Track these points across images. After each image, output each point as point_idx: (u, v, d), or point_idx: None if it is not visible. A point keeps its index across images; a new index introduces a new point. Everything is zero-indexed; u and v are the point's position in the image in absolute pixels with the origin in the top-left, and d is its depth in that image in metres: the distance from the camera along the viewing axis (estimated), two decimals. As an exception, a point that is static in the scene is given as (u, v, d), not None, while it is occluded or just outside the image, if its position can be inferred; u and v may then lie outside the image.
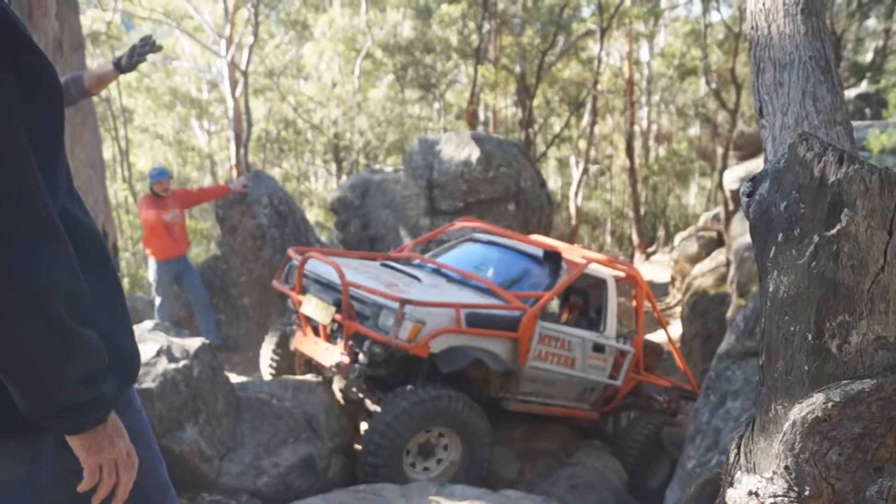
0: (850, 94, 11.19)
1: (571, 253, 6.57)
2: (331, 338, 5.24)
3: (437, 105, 23.19)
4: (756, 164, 8.86)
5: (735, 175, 9.04)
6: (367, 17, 20.76)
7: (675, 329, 10.63)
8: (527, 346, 5.43)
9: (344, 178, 17.97)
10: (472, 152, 9.75)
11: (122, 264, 6.95)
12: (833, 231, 1.18)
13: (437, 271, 6.16)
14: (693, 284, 10.59)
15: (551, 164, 29.46)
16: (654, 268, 17.52)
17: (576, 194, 20.43)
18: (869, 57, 18.73)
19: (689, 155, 28.13)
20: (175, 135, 24.20)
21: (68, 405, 1.21)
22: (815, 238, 1.20)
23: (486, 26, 19.17)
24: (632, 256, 21.97)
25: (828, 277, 1.19)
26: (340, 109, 20.15)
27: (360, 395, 5.23)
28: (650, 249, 23.16)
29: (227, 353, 7.46)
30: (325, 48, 21.27)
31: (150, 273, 7.35)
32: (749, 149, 9.59)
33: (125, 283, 12.67)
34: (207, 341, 4.93)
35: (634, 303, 6.88)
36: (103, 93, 21.53)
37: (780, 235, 1.24)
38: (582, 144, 22.49)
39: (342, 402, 5.52)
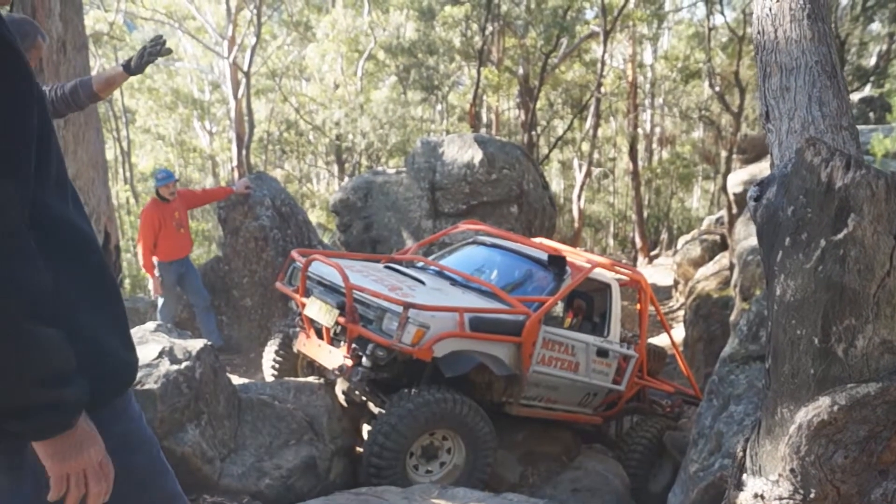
0: (854, 97, 11.18)
1: (575, 257, 6.56)
2: (334, 340, 5.23)
3: (439, 107, 23.21)
4: (760, 168, 8.85)
5: (739, 178, 9.03)
6: (370, 18, 20.79)
7: (678, 333, 10.62)
8: (530, 351, 5.42)
9: (346, 179, 17.99)
10: (475, 154, 9.75)
11: (123, 265, 6.93)
12: (840, 235, 1.18)
13: (440, 274, 6.15)
14: (696, 288, 10.58)
15: (554, 167, 29.49)
16: (657, 271, 17.51)
17: (579, 197, 20.42)
18: (873, 61, 18.72)
19: (692, 158, 28.12)
20: (177, 136, 24.24)
21: (23, 408, 1.16)
22: (822, 242, 1.20)
23: (490, 28, 19.19)
24: (634, 260, 21.96)
25: (834, 282, 1.18)
26: (343, 111, 20.17)
27: (363, 398, 5.22)
28: (653, 253, 23.14)
29: (228, 354, 7.45)
30: (328, 49, 21.30)
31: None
32: (753, 152, 9.59)
33: (126, 283, 12.68)
34: (209, 343, 4.92)
35: (638, 307, 6.87)
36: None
37: (788, 239, 1.24)
38: (585, 147, 22.48)
39: (344, 404, 5.51)
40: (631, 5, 19.80)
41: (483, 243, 6.83)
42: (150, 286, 7.13)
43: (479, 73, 18.85)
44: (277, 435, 4.97)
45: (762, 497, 1.36)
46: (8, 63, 1.16)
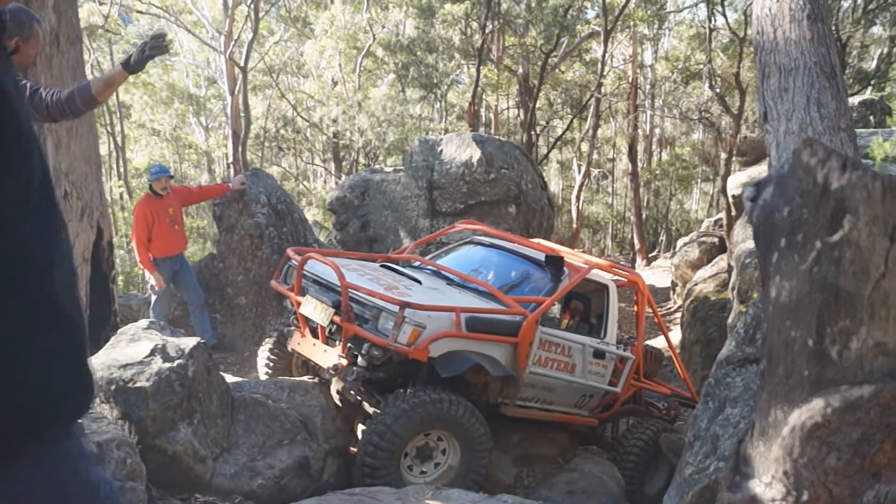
0: (854, 101, 11.17)
1: (573, 258, 6.54)
2: (329, 340, 5.21)
3: (438, 105, 23.18)
4: (759, 170, 8.84)
5: (738, 180, 9.02)
6: (369, 15, 20.74)
7: (676, 335, 10.61)
8: (527, 352, 5.40)
9: (343, 177, 17.95)
10: (474, 154, 9.73)
11: (116, 262, 6.89)
12: (835, 237, 1.16)
13: (437, 274, 6.13)
14: (694, 290, 10.57)
15: (553, 167, 29.49)
16: (655, 273, 17.50)
17: (577, 198, 20.40)
18: (873, 64, 18.73)
19: (691, 160, 28.13)
20: (172, 131, 24.20)
21: None
22: (818, 244, 1.18)
23: (490, 26, 19.16)
24: (633, 261, 21.96)
25: (829, 283, 1.17)
26: (340, 108, 20.14)
27: (358, 398, 5.20)
28: (651, 254, 23.15)
29: (222, 352, 7.43)
30: (326, 46, 21.27)
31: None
32: (752, 154, 9.57)
33: (120, 280, 12.65)
34: (202, 340, 4.90)
35: (636, 308, 6.85)
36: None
37: (783, 240, 1.22)
38: (584, 147, 22.47)
39: (339, 404, 5.49)
40: (632, 5, 19.78)
41: (480, 243, 6.81)
42: (152, 281, 7.10)
43: (478, 71, 18.82)
44: (271, 434, 4.94)
45: (755, 499, 1.35)
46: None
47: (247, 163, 18.50)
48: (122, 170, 21.44)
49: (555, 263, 5.91)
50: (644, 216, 24.74)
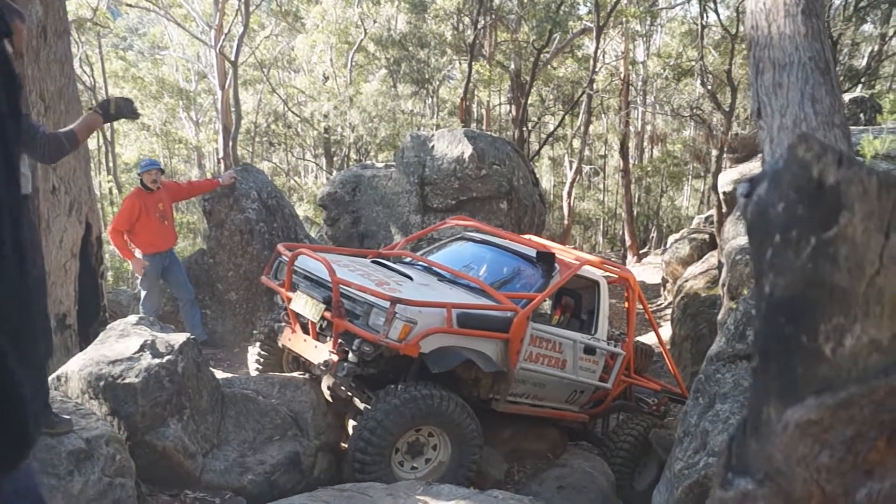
0: (845, 98, 11.21)
1: (564, 254, 6.54)
2: (320, 335, 5.19)
3: (430, 101, 23.14)
4: (750, 167, 8.86)
5: (729, 178, 9.03)
6: (361, 9, 20.68)
7: (666, 331, 10.64)
8: (517, 348, 5.40)
9: (334, 173, 17.90)
10: (465, 149, 9.71)
11: (105, 257, 6.85)
12: (831, 233, 1.15)
13: (428, 270, 6.12)
14: (684, 287, 10.59)
15: (545, 163, 29.51)
16: (646, 269, 17.54)
17: (569, 194, 20.42)
18: (864, 62, 18.81)
19: (683, 157, 28.21)
20: (162, 126, 24.07)
21: None
22: (813, 240, 1.17)
23: (482, 22, 19.12)
24: (624, 258, 22.01)
25: (824, 279, 1.16)
26: (332, 103, 20.08)
27: (349, 394, 5.19)
28: (642, 251, 23.20)
29: (212, 348, 7.40)
30: (317, 40, 21.20)
31: (137, 266, 7.28)
32: (744, 151, 9.59)
33: (109, 276, 12.58)
34: (192, 336, 4.87)
35: (626, 304, 6.86)
36: (88, 81, 21.33)
37: (778, 236, 1.22)
38: (576, 144, 22.49)
39: (329, 399, 5.48)
40: (624, 2, 19.79)
41: (472, 239, 6.80)
42: (132, 267, 7.08)
43: (470, 67, 18.79)
44: (261, 430, 4.93)
45: (747, 496, 1.34)
46: None
47: (237, 158, 18.43)
48: (111, 164, 21.32)
49: (546, 260, 5.91)
50: (635, 213, 24.79)
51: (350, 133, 20.06)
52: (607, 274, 6.62)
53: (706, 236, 13.25)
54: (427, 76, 21.04)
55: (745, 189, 1.40)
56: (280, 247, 5.80)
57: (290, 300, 5.27)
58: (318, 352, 5.12)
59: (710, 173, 22.85)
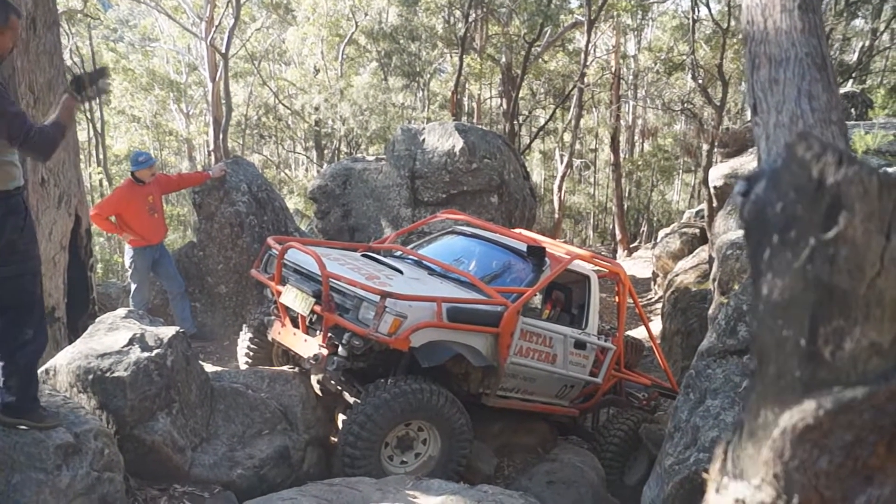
0: (835, 93, 11.23)
1: (555, 248, 6.53)
2: (310, 329, 5.17)
3: (420, 94, 23.07)
4: (741, 162, 8.86)
5: (720, 172, 9.03)
6: (352, 2, 20.56)
7: (656, 325, 10.66)
8: (508, 342, 5.39)
9: (325, 166, 17.83)
10: (456, 143, 9.68)
11: (95, 249, 6.79)
12: (830, 234, 1.14)
13: (418, 263, 6.10)
14: (675, 281, 10.61)
15: (535, 157, 29.49)
16: (637, 263, 17.58)
17: (559, 188, 20.42)
18: (855, 57, 18.86)
19: (673, 151, 28.26)
20: (153, 118, 23.91)
21: None
22: (812, 241, 1.15)
23: (473, 15, 19.05)
24: (614, 252, 22.05)
25: (823, 281, 1.14)
26: (322, 96, 19.99)
27: (339, 388, 5.17)
28: (633, 245, 23.24)
29: (201, 342, 7.36)
30: (308, 33, 21.09)
31: (127, 259, 7.23)
32: (735, 146, 9.60)
33: (98, 268, 12.50)
34: (182, 330, 4.83)
35: (617, 299, 6.86)
36: (78, 73, 21.28)
37: (776, 237, 1.20)
38: (567, 137, 22.48)
39: (319, 393, 5.46)
40: (615, -5, 19.75)
41: (462, 233, 6.78)
42: (131, 269, 7.04)
43: (461, 60, 18.74)
44: (250, 424, 4.90)
45: (743, 502, 1.32)
46: None
47: (228, 150, 18.33)
48: (101, 156, 21.14)
49: (536, 254, 5.89)
50: (626, 207, 24.83)
51: (341, 126, 19.97)
52: (598, 268, 6.61)
53: (697, 231, 13.27)
54: (418, 69, 20.97)
55: (742, 188, 1.38)
56: (270, 240, 5.77)
57: (279, 293, 5.25)
58: (308, 346, 5.09)
59: (700, 167, 22.88)
